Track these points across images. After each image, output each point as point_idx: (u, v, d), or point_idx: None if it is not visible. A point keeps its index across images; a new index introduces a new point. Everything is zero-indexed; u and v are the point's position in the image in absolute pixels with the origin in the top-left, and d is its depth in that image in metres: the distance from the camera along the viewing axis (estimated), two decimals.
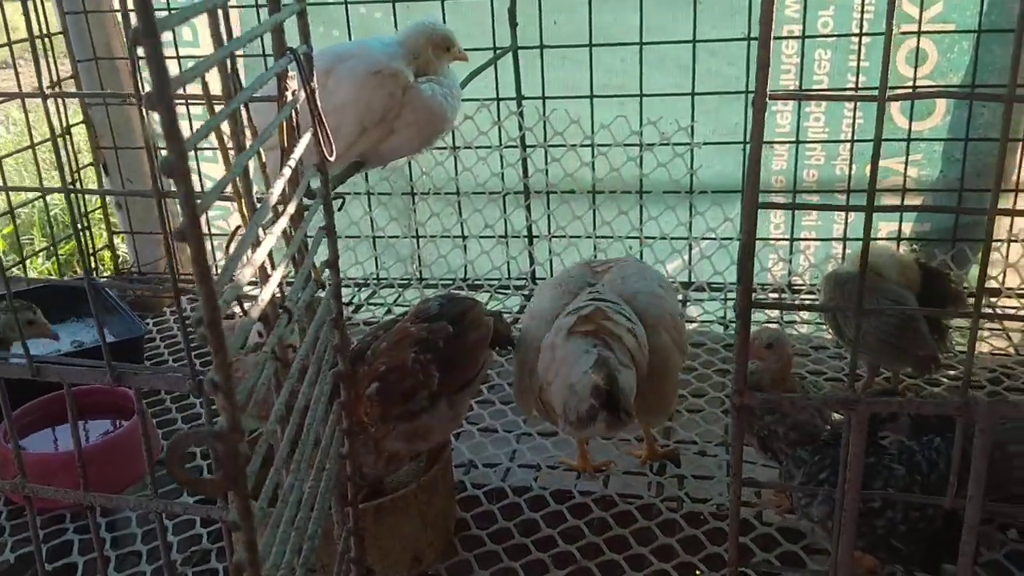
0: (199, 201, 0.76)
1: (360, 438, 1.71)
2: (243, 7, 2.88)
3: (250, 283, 0.90)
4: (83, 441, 2.09)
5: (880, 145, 1.22)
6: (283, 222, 1.04)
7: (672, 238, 2.93)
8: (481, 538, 1.85)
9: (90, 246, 3.35)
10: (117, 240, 3.39)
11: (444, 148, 2.99)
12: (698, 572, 1.74)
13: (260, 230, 1.03)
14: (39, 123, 2.73)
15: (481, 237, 3.08)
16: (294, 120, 1.18)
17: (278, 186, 1.03)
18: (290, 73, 1.17)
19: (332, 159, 1.16)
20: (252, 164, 1.22)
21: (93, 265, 3.29)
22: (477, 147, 2.96)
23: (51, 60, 2.92)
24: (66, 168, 2.82)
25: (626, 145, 2.86)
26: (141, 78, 3.12)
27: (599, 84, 2.85)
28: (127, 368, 1.52)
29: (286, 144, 1.18)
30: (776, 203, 1.20)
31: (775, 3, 1.09)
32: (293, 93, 1.17)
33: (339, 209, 1.89)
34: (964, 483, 1.52)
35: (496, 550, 1.81)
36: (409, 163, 3.06)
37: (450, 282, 3.10)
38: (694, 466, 2.06)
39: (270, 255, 1.09)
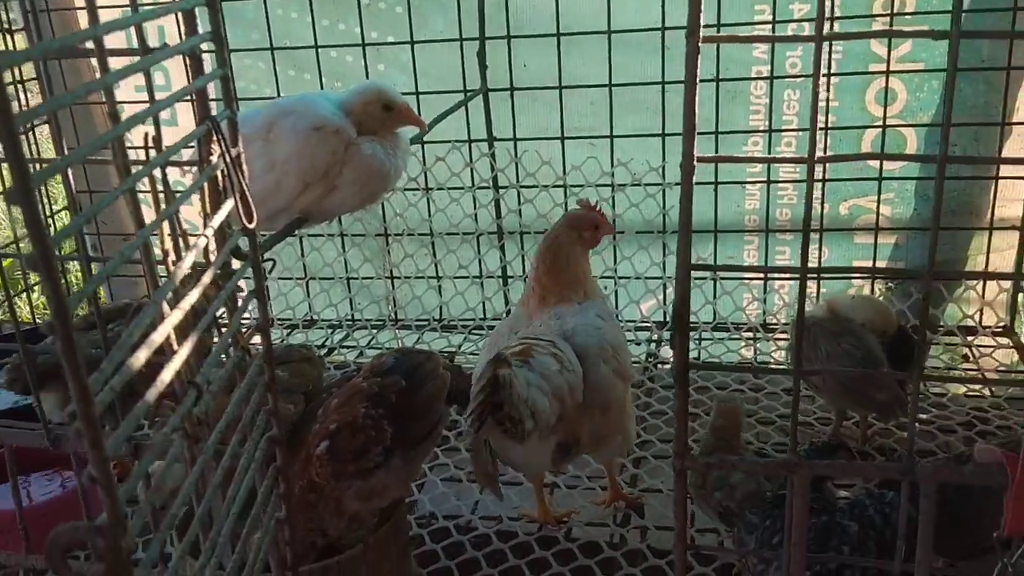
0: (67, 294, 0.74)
1: (320, 500, 1.68)
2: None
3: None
4: (26, 498, 2.06)
5: (811, 204, 1.20)
6: (197, 290, 1.03)
7: (646, 277, 2.91)
8: None
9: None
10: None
11: (417, 189, 2.99)
12: None
13: (164, 306, 1.01)
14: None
15: (455, 278, 3.06)
16: (220, 184, 1.17)
17: (188, 259, 1.02)
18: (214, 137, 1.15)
19: (252, 225, 1.15)
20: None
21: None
22: (450, 188, 2.96)
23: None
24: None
25: (598, 186, 2.85)
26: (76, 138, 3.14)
27: (569, 126, 2.85)
28: (63, 431, 1.50)
29: (208, 210, 1.16)
30: (704, 265, 1.19)
31: (698, 64, 1.08)
32: (217, 158, 1.15)
33: (269, 273, 1.88)
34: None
35: None
36: (382, 204, 3.05)
37: (425, 323, 3.09)
38: (658, 516, 2.02)
39: (182, 328, 1.08)
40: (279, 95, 2.92)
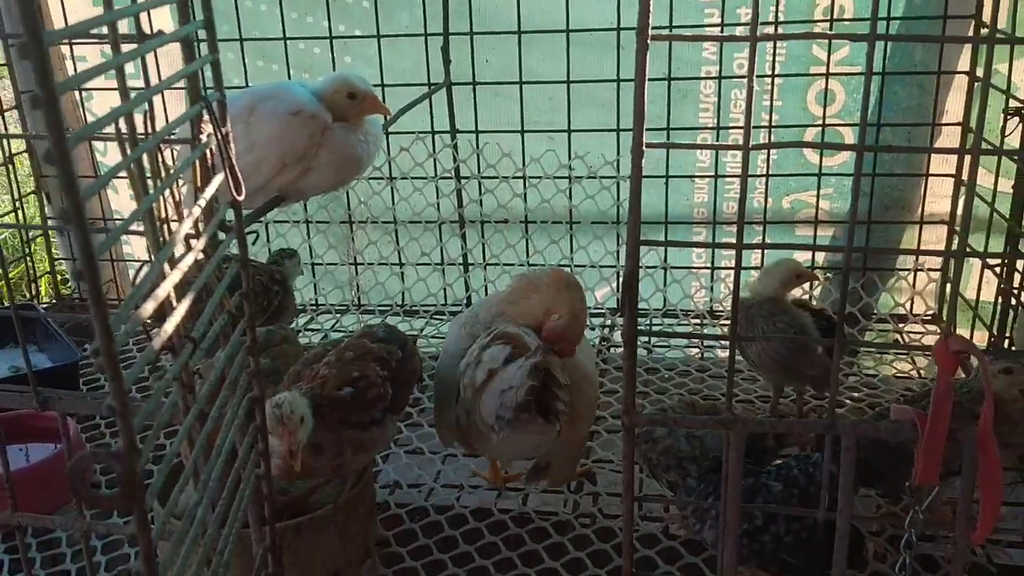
0: (103, 238, 0.85)
1: (326, 443, 1.74)
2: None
3: (158, 316, 0.99)
4: (25, 462, 2.15)
5: (746, 188, 1.34)
6: (190, 258, 1.13)
7: (601, 266, 3.05)
8: (401, 555, 1.93)
9: (33, 272, 3.37)
10: (60, 266, 3.43)
11: (381, 178, 3.10)
12: None
13: (166, 265, 1.12)
14: None
15: (418, 264, 3.17)
16: (209, 161, 1.27)
17: (187, 224, 1.12)
18: (204, 118, 1.26)
19: (241, 198, 1.26)
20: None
21: (34, 292, 3.32)
22: (413, 178, 3.07)
23: None
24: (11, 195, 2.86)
25: (556, 178, 2.98)
26: (84, 112, 3.20)
27: (529, 120, 2.98)
28: (52, 393, 1.59)
29: (199, 183, 1.27)
30: (652, 240, 1.32)
31: (647, 60, 1.21)
32: (207, 136, 1.26)
33: (253, 243, 1.98)
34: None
35: (415, 566, 1.89)
36: (347, 193, 3.15)
37: (388, 308, 3.19)
38: (609, 484, 2.16)
39: (183, 286, 1.18)
40: (247, 85, 3.00)
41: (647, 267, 3.01)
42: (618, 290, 3.09)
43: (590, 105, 2.95)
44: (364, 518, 1.88)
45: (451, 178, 3.08)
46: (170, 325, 1.03)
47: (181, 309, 1.08)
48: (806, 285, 2.52)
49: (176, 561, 1.05)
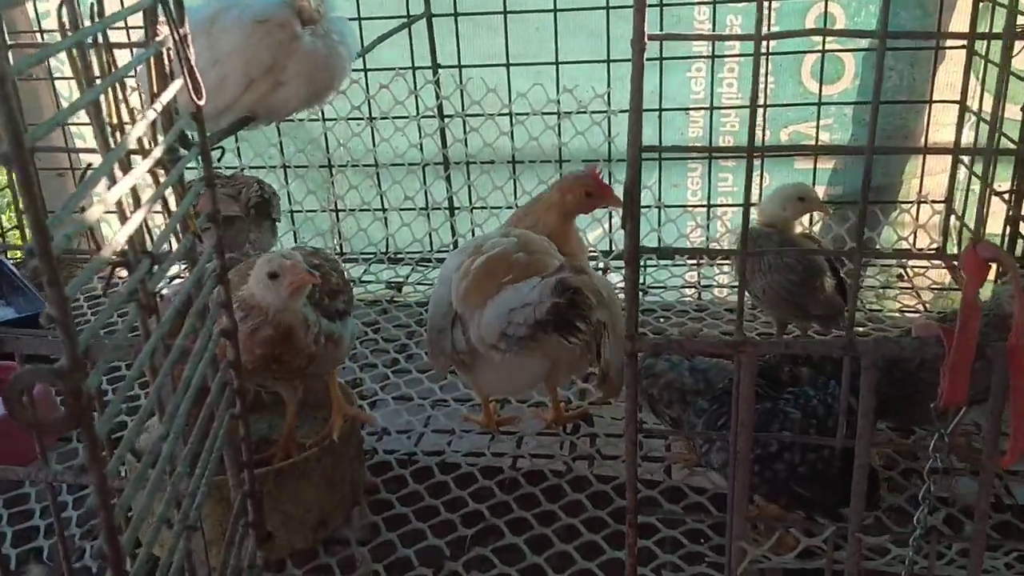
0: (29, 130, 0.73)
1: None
2: None
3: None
4: None
5: (758, 82, 1.23)
6: (146, 164, 1.01)
7: None
8: (390, 501, 1.83)
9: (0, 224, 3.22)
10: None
11: (361, 119, 2.95)
12: None
13: (116, 168, 1.00)
14: None
15: (401, 209, 3.04)
16: (165, 66, 1.15)
17: (140, 126, 1.00)
18: (160, 18, 1.13)
19: (201, 101, 1.13)
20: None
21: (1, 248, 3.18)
22: (394, 117, 2.93)
23: None
24: None
25: (544, 114, 2.85)
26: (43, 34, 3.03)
27: (515, 53, 2.84)
28: (7, 334, 1.47)
29: (155, 89, 1.14)
30: (652, 147, 1.21)
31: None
32: (163, 37, 1.13)
33: (219, 160, 1.86)
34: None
35: (405, 512, 1.79)
36: (325, 135, 3.01)
37: (371, 255, 3.07)
38: (606, 425, 2.06)
39: (135, 198, 1.06)
40: None
41: (642, 206, 2.88)
42: (610, 231, 2.98)
43: (578, 34, 2.81)
44: (351, 463, 1.77)
45: (434, 117, 2.94)
46: (122, 234, 0.92)
47: (136, 218, 0.96)
48: (806, 220, 2.42)
49: (139, 500, 0.94)
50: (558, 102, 2.84)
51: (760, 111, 2.81)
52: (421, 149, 2.98)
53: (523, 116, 2.87)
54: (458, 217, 3.05)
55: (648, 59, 2.84)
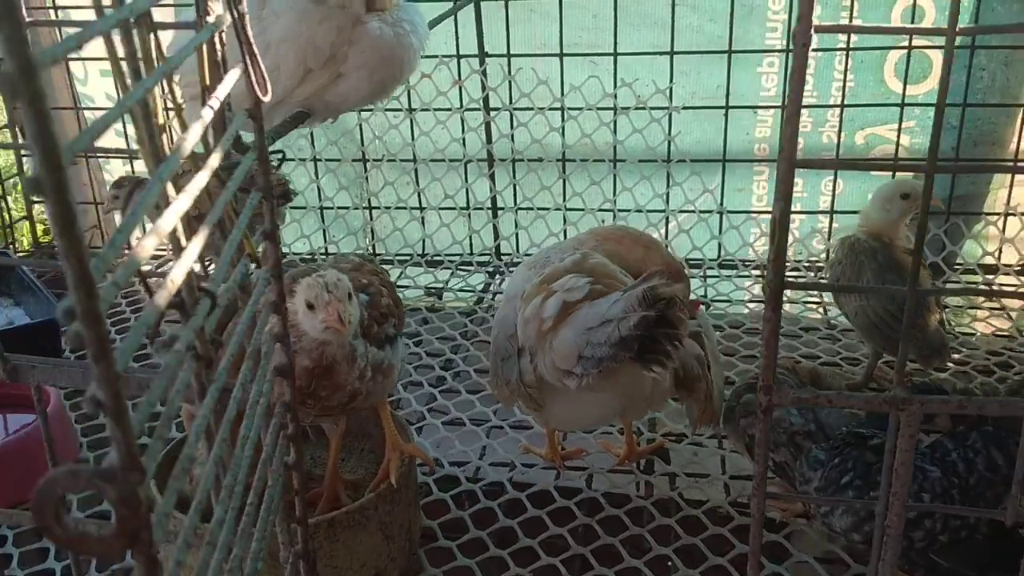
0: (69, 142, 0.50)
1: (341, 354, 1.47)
2: None
3: (155, 258, 0.66)
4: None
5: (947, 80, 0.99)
6: (203, 178, 0.80)
7: (648, 211, 2.71)
8: (450, 551, 1.61)
9: (9, 217, 3.00)
10: (38, 210, 3.06)
11: (399, 110, 2.73)
12: None
13: (170, 186, 0.78)
14: None
15: (440, 209, 2.82)
16: (219, 53, 0.93)
17: (195, 130, 0.78)
18: None
19: (267, 99, 0.92)
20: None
21: (10, 239, 2.96)
22: (436, 109, 2.70)
23: None
24: None
25: (599, 109, 2.63)
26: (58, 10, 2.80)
27: (569, 42, 2.61)
28: (23, 361, 1.25)
29: (207, 81, 0.92)
30: (814, 161, 0.98)
31: None
32: (216, 17, 0.91)
33: (278, 167, 1.65)
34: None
35: (468, 565, 1.58)
36: (360, 127, 2.79)
37: (407, 258, 2.84)
38: (686, 463, 1.84)
39: (187, 223, 0.84)
40: None
41: (701, 211, 2.67)
42: (666, 237, 2.75)
43: (640, 25, 2.58)
44: (408, 507, 1.56)
45: (479, 109, 2.72)
46: (179, 271, 0.70)
47: (193, 249, 0.75)
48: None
49: None
50: (615, 96, 2.61)
51: (834, 112, 2.59)
52: (464, 144, 2.75)
53: (576, 111, 2.64)
54: (502, 218, 2.83)
55: (714, 52, 2.60)
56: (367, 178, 2.85)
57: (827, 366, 2.12)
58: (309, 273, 1.43)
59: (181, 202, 0.72)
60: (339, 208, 2.88)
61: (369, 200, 2.87)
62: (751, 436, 1.55)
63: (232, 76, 0.91)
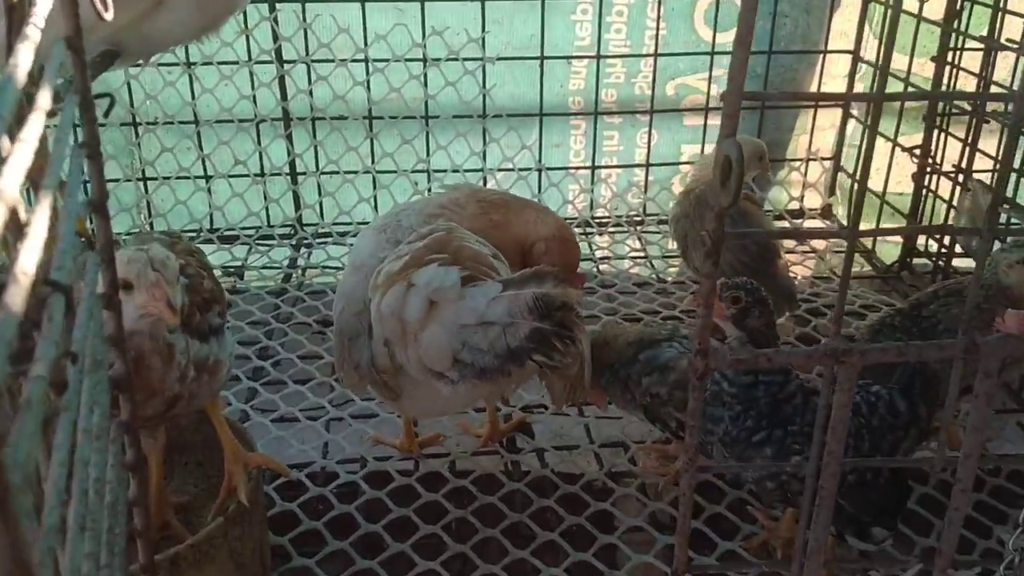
0: None
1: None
2: None
3: None
4: None
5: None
6: (38, 120, 0.55)
7: (464, 170, 2.54)
8: (309, 569, 1.38)
9: None
10: None
11: (175, 64, 2.36)
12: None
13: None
14: None
15: (230, 176, 2.49)
16: None
17: (24, 57, 0.53)
18: None
19: (109, 16, 0.67)
20: None
21: None
22: (220, 63, 2.37)
23: None
24: None
25: (407, 60, 2.41)
26: None
27: None
28: None
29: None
30: (756, 93, 0.85)
31: None
32: None
33: (106, 115, 1.33)
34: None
35: None
36: (128, 84, 2.39)
37: (194, 234, 2.49)
38: (552, 435, 1.72)
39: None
40: None
41: (520, 169, 2.54)
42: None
43: None
44: (258, 529, 1.31)
45: (271, 62, 2.41)
46: (27, 258, 0.46)
47: (40, 223, 0.51)
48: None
49: None
50: (424, 46, 2.41)
51: (647, 61, 2.54)
52: (255, 102, 2.44)
53: (382, 63, 2.41)
54: (303, 185, 2.55)
55: None
56: (139, 144, 2.46)
57: (670, 320, 2.07)
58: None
59: (21, 153, 0.47)
60: (108, 181, 2.46)
61: (143, 170, 2.48)
62: (654, 395, 1.44)
63: None
